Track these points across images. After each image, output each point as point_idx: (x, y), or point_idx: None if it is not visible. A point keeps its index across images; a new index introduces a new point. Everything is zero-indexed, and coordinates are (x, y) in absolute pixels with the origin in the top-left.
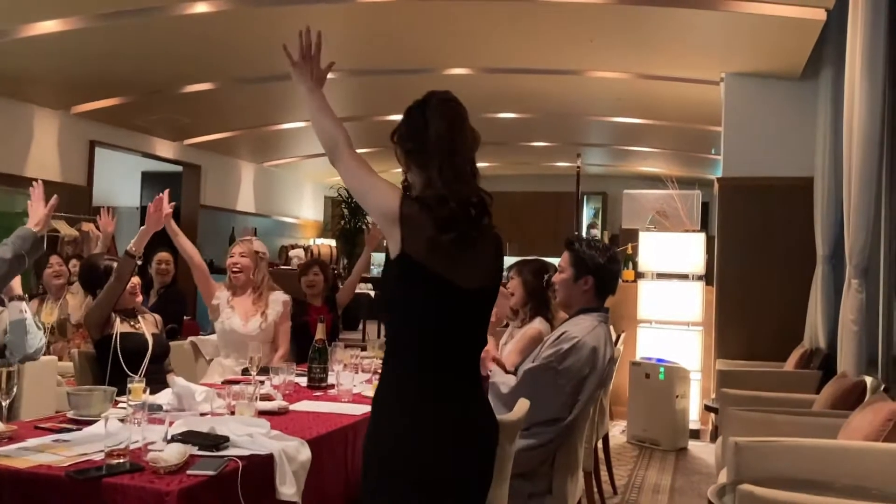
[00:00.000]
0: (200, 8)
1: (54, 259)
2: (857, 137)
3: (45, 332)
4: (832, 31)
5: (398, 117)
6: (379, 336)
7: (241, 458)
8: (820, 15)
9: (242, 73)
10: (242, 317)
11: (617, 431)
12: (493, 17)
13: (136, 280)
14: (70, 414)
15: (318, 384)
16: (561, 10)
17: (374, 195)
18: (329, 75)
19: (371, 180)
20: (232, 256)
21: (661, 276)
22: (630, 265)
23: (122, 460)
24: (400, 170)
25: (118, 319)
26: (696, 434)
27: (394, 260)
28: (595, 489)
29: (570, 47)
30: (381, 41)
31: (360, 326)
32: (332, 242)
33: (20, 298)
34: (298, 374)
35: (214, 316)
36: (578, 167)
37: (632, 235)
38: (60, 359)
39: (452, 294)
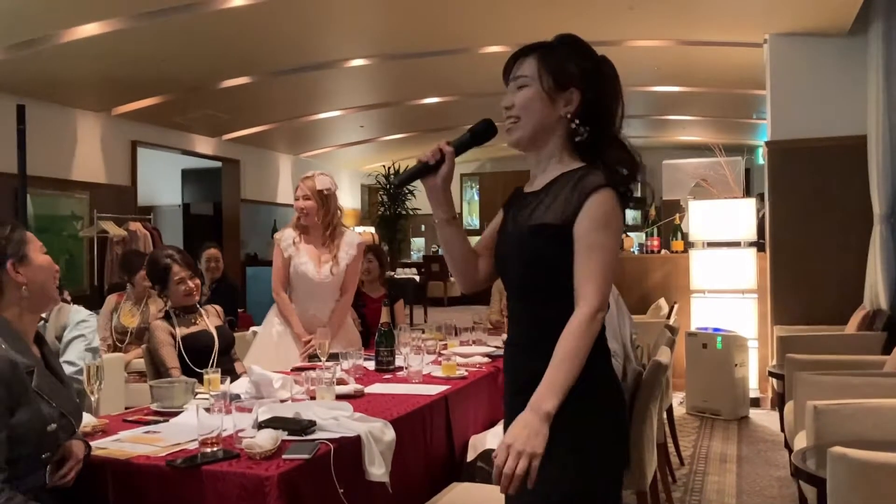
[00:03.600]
0: (236, 2)
1: None
2: None
3: (127, 334)
4: None
5: (432, 100)
6: (426, 321)
7: (330, 441)
8: None
9: (277, 65)
10: (315, 262)
11: (675, 403)
12: None
13: (196, 282)
14: (153, 406)
15: (386, 367)
16: None
17: (618, 247)
18: (364, 62)
19: (612, 253)
20: (297, 200)
21: (711, 244)
22: (679, 235)
23: (215, 448)
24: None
25: (177, 320)
26: (755, 402)
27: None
28: (664, 461)
29: (608, 17)
30: (416, 24)
31: (406, 310)
32: (372, 229)
33: (71, 364)
34: (365, 359)
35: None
36: None
37: (674, 206)
38: (128, 363)
39: None
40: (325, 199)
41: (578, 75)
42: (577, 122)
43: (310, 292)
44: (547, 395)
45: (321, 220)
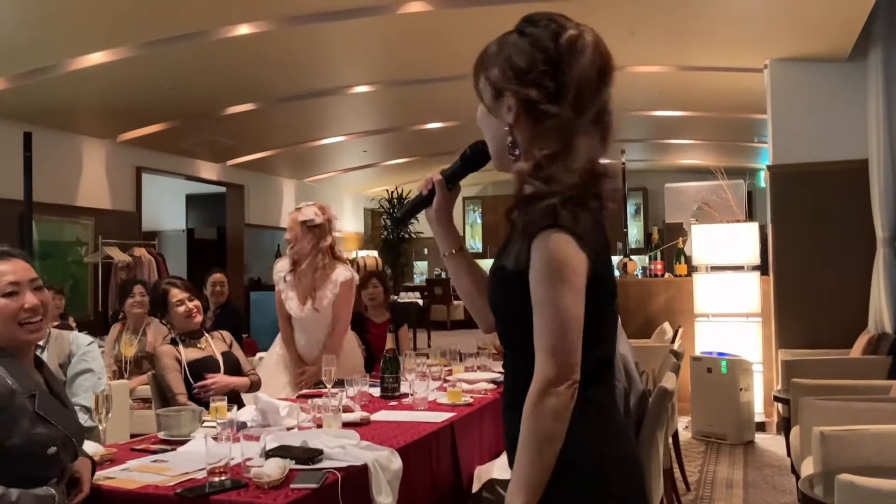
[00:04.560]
0: (241, 30)
1: (137, 289)
2: None
3: (125, 363)
4: (881, 8)
5: (435, 125)
6: (429, 346)
7: (338, 469)
8: None
9: (282, 92)
10: (300, 298)
11: (681, 427)
12: None
13: (195, 304)
14: (161, 434)
15: (391, 394)
16: (600, 6)
17: (575, 298)
18: (367, 88)
19: (564, 309)
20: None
21: (714, 268)
22: (682, 259)
23: (223, 478)
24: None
25: (182, 346)
26: (761, 426)
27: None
28: (670, 487)
29: (609, 43)
30: (418, 51)
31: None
32: (375, 253)
33: (84, 409)
34: (370, 385)
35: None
36: (623, 164)
37: (676, 229)
38: (132, 389)
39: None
40: (310, 231)
41: (504, 75)
42: (510, 137)
43: (297, 327)
44: (515, 492)
45: (309, 251)
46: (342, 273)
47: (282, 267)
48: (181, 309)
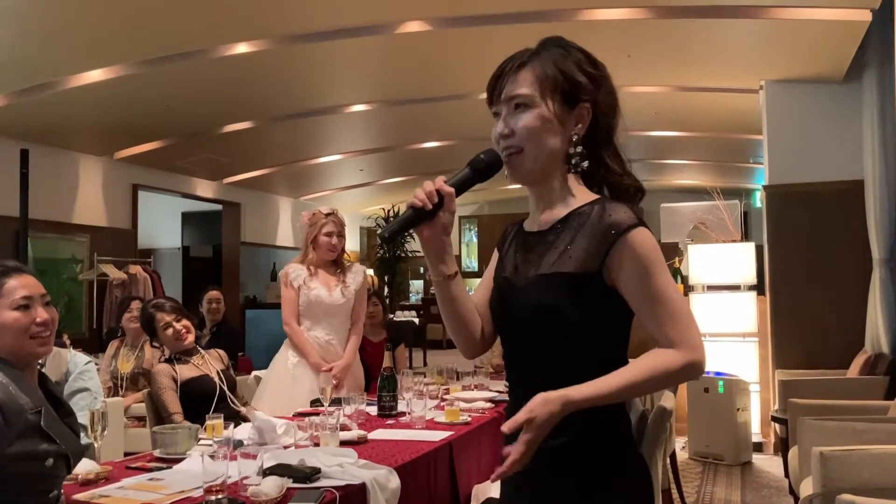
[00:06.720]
0: (238, 49)
1: (135, 304)
2: None
3: (120, 380)
4: (875, 30)
5: (432, 144)
6: (425, 364)
7: (335, 488)
8: (865, 16)
9: (279, 111)
10: (325, 287)
11: (678, 448)
12: (527, 40)
13: (183, 324)
14: (157, 452)
15: (388, 412)
16: (597, 28)
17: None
18: (364, 107)
19: (681, 295)
20: (330, 237)
21: (711, 288)
22: (678, 279)
23: (221, 496)
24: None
25: (177, 366)
26: (758, 447)
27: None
28: None
29: (606, 64)
30: (415, 71)
31: (407, 353)
32: (371, 272)
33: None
34: (367, 403)
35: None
36: None
37: (672, 249)
38: (127, 407)
39: None
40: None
41: (588, 85)
42: (579, 146)
43: (325, 316)
44: (581, 387)
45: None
46: (360, 267)
47: (298, 267)
48: (169, 332)
